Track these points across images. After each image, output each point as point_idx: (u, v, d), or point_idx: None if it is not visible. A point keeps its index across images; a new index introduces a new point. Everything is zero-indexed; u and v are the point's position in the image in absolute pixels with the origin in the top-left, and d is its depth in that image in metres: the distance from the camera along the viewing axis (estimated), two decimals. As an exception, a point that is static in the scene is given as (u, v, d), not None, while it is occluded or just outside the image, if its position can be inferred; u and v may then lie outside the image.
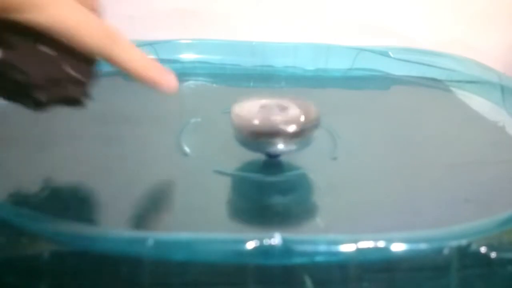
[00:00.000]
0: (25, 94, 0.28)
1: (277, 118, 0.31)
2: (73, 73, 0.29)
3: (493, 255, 0.24)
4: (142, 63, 0.30)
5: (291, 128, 0.31)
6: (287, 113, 0.32)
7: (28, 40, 0.27)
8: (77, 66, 0.29)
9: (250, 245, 0.22)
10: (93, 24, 0.28)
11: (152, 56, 0.50)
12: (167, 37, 0.52)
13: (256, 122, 0.31)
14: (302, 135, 0.31)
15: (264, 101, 0.33)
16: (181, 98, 0.45)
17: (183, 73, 0.51)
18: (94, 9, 0.30)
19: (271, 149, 0.32)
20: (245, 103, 0.33)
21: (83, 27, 0.28)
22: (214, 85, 0.50)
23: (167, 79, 0.31)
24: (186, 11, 0.55)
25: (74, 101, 0.30)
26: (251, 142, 0.32)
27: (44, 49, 0.28)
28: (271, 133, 0.31)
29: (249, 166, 0.33)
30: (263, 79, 0.52)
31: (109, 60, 0.29)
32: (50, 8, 0.26)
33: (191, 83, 0.50)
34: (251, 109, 0.32)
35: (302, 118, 0.32)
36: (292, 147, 0.32)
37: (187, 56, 0.52)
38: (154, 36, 0.53)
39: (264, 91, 0.49)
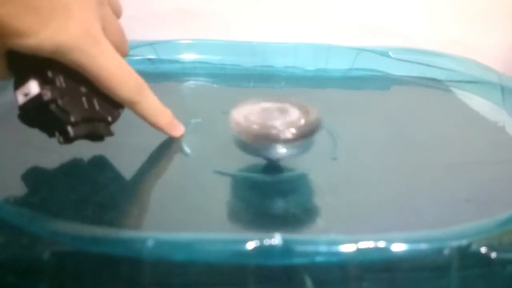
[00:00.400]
0: (59, 128, 0.29)
1: (277, 123, 0.31)
2: (104, 114, 0.31)
3: (493, 255, 0.24)
4: (161, 116, 0.34)
5: (291, 133, 0.30)
6: (287, 117, 0.32)
7: (72, 79, 0.29)
8: (108, 107, 0.32)
9: (251, 245, 0.22)
10: (126, 73, 0.31)
11: (152, 56, 0.51)
12: (167, 37, 0.53)
13: (255, 127, 0.31)
14: (302, 139, 0.31)
15: (263, 105, 0.33)
16: (181, 98, 0.46)
17: (183, 73, 0.51)
18: (118, 15, 0.32)
19: (271, 154, 0.31)
20: (244, 107, 0.33)
21: (118, 75, 0.30)
22: (214, 85, 0.50)
23: (177, 130, 0.35)
24: (186, 11, 0.55)
25: (98, 137, 0.32)
26: (251, 147, 0.32)
27: (84, 90, 0.30)
28: (271, 139, 0.31)
29: (250, 167, 0.33)
30: (263, 79, 0.52)
31: (132, 108, 0.32)
32: (93, 52, 0.28)
33: (191, 83, 0.50)
34: (251, 113, 0.32)
35: (302, 122, 0.31)
36: (293, 151, 0.31)
37: (187, 56, 0.52)
38: (154, 36, 0.53)
39: (264, 91, 0.49)
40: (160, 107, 0.34)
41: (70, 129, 0.29)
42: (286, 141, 0.31)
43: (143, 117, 0.33)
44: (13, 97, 0.29)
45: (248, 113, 0.32)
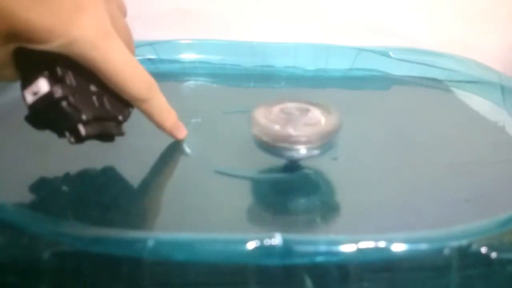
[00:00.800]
0: (70, 128, 0.28)
1: (298, 123, 0.31)
2: (115, 113, 0.31)
3: (493, 255, 0.24)
4: (168, 116, 0.34)
5: (312, 134, 0.30)
6: (308, 117, 0.32)
7: (81, 77, 0.28)
8: (119, 106, 0.31)
9: (251, 245, 0.22)
10: (137, 70, 0.30)
11: (152, 56, 0.51)
12: (167, 37, 0.53)
13: (277, 127, 0.31)
14: (323, 140, 0.31)
15: (284, 105, 0.33)
16: (181, 98, 0.46)
17: (183, 73, 0.51)
18: (123, 13, 0.32)
19: (293, 155, 0.31)
20: (265, 107, 0.33)
21: (128, 72, 0.30)
22: (214, 85, 0.50)
23: (181, 132, 0.35)
24: (186, 11, 0.55)
25: (108, 137, 0.31)
26: (272, 148, 0.31)
27: (94, 89, 0.29)
28: (293, 139, 0.30)
29: (250, 167, 0.33)
30: (263, 79, 0.52)
31: (140, 107, 0.32)
32: (105, 46, 0.28)
33: (191, 83, 0.50)
34: (271, 114, 0.32)
35: (323, 122, 0.31)
36: (314, 151, 0.31)
37: (187, 56, 0.52)
38: (154, 36, 0.53)
39: (264, 91, 0.49)
40: (168, 107, 0.33)
41: (81, 128, 0.28)
42: (306, 142, 0.31)
43: (151, 116, 0.32)
44: (12, 98, 0.29)
45: (269, 114, 0.32)
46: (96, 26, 0.27)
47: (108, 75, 0.29)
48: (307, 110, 0.32)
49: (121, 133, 0.32)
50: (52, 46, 0.26)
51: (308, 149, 0.31)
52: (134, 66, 0.30)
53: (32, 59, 0.27)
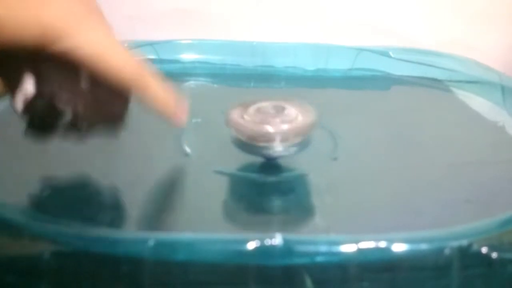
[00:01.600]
0: (69, 124, 0.27)
1: (274, 121, 0.31)
2: (111, 106, 0.30)
3: (494, 255, 0.24)
4: (164, 98, 0.31)
5: (288, 130, 0.31)
6: (284, 115, 0.32)
7: (66, 72, 0.27)
8: (113, 98, 0.30)
9: (251, 245, 0.22)
10: (123, 50, 0.29)
11: (152, 56, 0.51)
12: (167, 37, 0.53)
13: (252, 125, 0.31)
14: (299, 136, 0.31)
15: (259, 104, 0.33)
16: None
17: (183, 73, 0.51)
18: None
19: (269, 152, 0.32)
20: (241, 106, 0.33)
21: (116, 54, 0.28)
22: (214, 85, 0.50)
23: (180, 117, 0.33)
24: (186, 11, 0.55)
25: (110, 131, 0.30)
26: (249, 146, 0.32)
27: (83, 82, 0.28)
28: (268, 137, 0.31)
29: (250, 167, 0.33)
30: (263, 79, 0.52)
31: (137, 88, 0.30)
32: (77, 30, 0.26)
33: (191, 83, 0.50)
34: (247, 113, 0.32)
35: (299, 119, 0.32)
36: (290, 149, 0.31)
37: (187, 56, 0.52)
38: (154, 36, 0.53)
39: (264, 91, 0.49)
40: (164, 89, 0.31)
41: (81, 122, 0.28)
42: (283, 139, 0.31)
43: (148, 101, 0.30)
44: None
45: (245, 112, 0.32)
46: (68, 12, 0.26)
47: (88, 60, 0.27)
48: (283, 108, 0.33)
49: (122, 127, 0.30)
50: (26, 38, 0.25)
51: (285, 146, 0.31)
52: (119, 47, 0.28)
53: (11, 65, 0.26)
